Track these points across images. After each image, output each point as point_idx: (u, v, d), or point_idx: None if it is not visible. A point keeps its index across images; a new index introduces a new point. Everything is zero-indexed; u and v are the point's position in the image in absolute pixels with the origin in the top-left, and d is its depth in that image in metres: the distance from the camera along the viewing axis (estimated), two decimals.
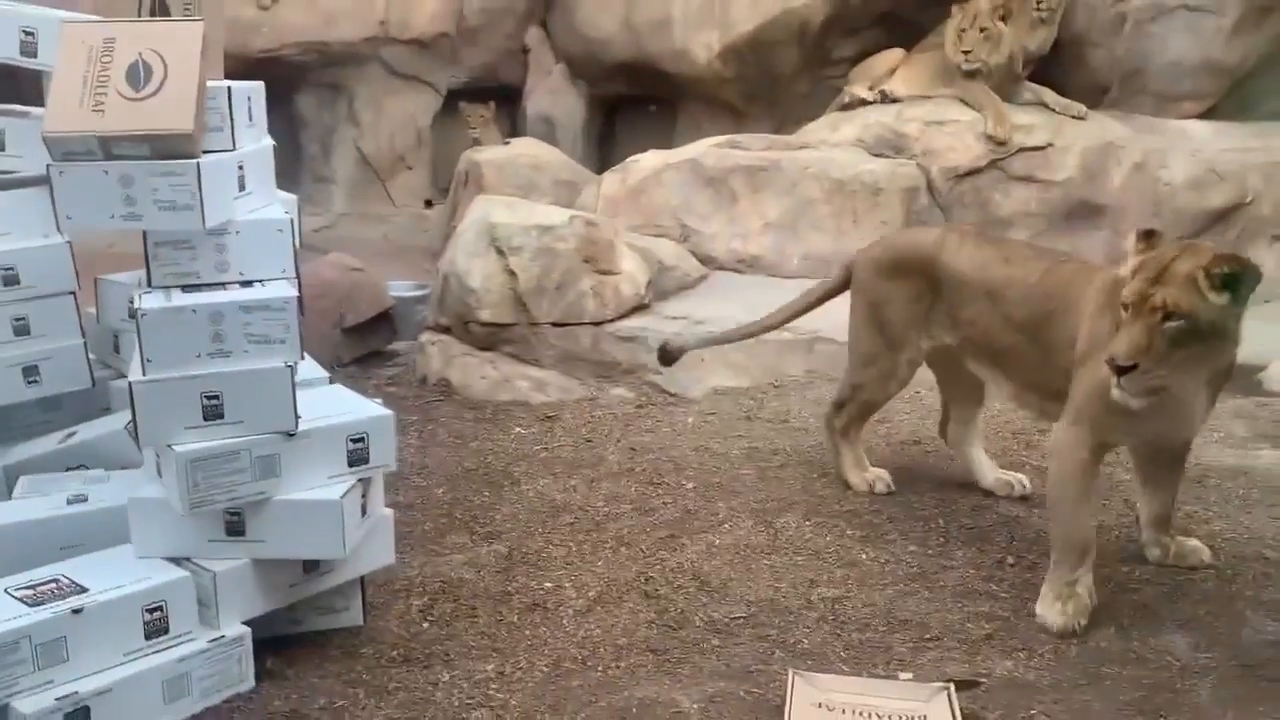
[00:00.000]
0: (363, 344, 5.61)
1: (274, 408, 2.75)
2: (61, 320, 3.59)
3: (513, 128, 9.99)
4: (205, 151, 2.79)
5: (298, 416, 2.80)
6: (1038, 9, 7.04)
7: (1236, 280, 2.71)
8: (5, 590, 2.61)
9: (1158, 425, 3.04)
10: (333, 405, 3.00)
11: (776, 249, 6.65)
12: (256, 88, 3.24)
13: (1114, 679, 2.85)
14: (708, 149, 6.98)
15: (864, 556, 3.55)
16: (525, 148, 8.09)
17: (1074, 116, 6.94)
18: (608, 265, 5.43)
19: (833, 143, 7.13)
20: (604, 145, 10.18)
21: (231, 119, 2.90)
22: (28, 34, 3.37)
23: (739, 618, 3.21)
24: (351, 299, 5.58)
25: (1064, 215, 6.85)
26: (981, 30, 6.77)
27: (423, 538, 3.75)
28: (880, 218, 6.66)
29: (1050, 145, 6.85)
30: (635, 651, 3.05)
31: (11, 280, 3.50)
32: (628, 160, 7.30)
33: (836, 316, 5.62)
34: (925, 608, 3.22)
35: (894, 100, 7.22)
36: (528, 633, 3.16)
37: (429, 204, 9.55)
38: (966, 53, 6.83)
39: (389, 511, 3.20)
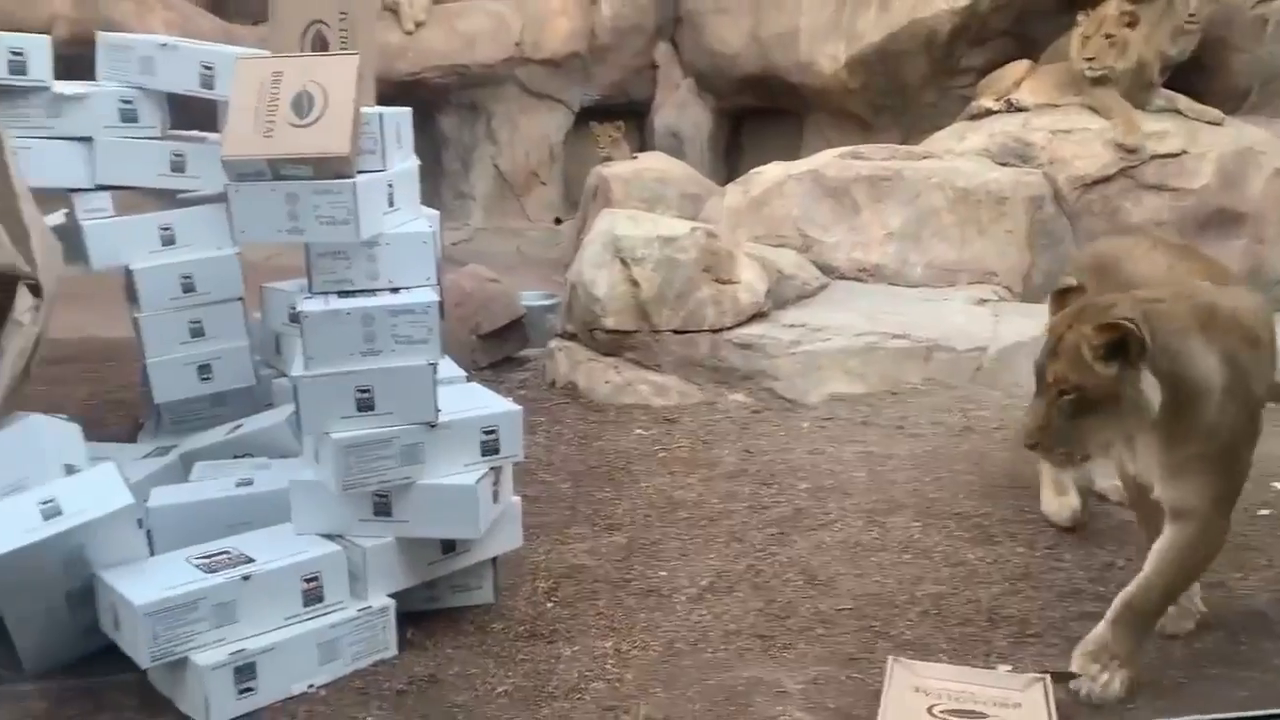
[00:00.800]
0: (497, 350, 5.94)
1: (417, 401, 3.06)
2: (231, 324, 4.01)
3: (641, 142, 10.29)
4: (359, 172, 3.11)
5: (438, 410, 3.09)
6: (1189, 21, 6.92)
7: (1120, 348, 2.56)
8: (185, 559, 2.98)
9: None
10: (468, 401, 3.29)
11: (899, 258, 6.71)
12: (404, 113, 3.56)
13: (1218, 679, 2.89)
14: (830, 160, 7.10)
15: (971, 556, 3.65)
16: (652, 162, 8.35)
17: (1209, 122, 6.79)
18: (727, 275, 5.62)
19: (958, 152, 7.15)
20: (730, 157, 10.39)
21: (383, 142, 3.22)
22: (207, 68, 3.79)
23: (844, 609, 3.36)
24: (487, 308, 5.92)
25: (1198, 224, 6.71)
26: (1107, 37, 6.70)
27: (549, 527, 4.01)
28: (1005, 226, 6.66)
29: (1185, 152, 6.72)
30: (743, 636, 3.24)
31: (189, 287, 3.94)
32: (750, 172, 7.49)
33: (952, 324, 5.72)
34: (1028, 606, 3.31)
35: (1021, 110, 7.20)
36: (643, 616, 3.38)
37: (559, 221, 9.93)
38: (1090, 59, 6.78)
39: (517, 499, 3.47)
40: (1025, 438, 2.71)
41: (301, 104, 3.06)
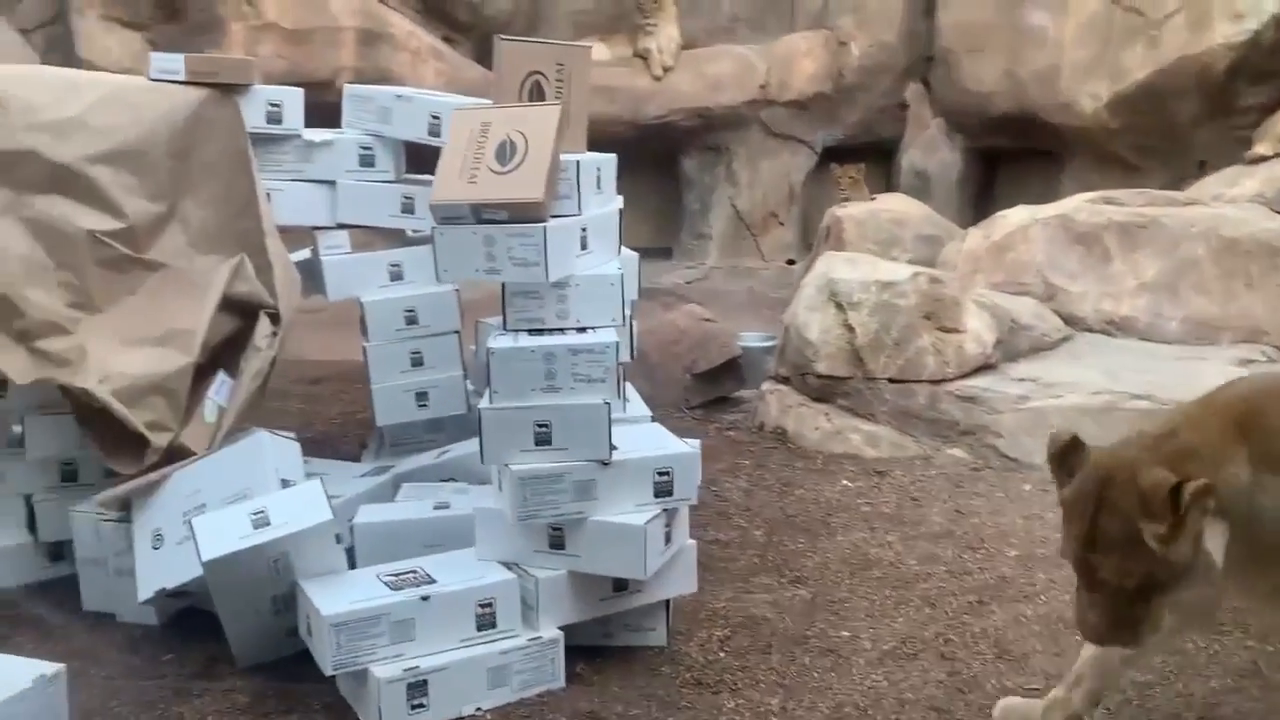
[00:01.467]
0: (710, 389, 5.97)
1: (592, 438, 3.12)
2: (447, 355, 4.27)
3: (886, 184, 10.09)
4: (554, 216, 3.24)
5: (613, 447, 3.15)
6: None
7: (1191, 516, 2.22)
8: (376, 575, 3.17)
9: None
10: (646, 441, 3.33)
11: (1152, 311, 6.20)
12: (607, 160, 3.68)
13: None
14: (1080, 204, 6.67)
15: (1190, 645, 3.29)
16: (889, 203, 8.16)
17: None
18: (951, 323, 5.39)
19: (1228, 198, 6.54)
20: (982, 201, 9.98)
21: (579, 187, 3.33)
22: (435, 118, 4.08)
23: (1034, 689, 3.11)
24: (703, 347, 5.97)
25: None
26: None
27: (734, 574, 3.97)
28: (1278, 280, 6.01)
29: None
30: (919, 708, 3.07)
31: (412, 320, 4.23)
32: (994, 215, 7.16)
33: (1205, 387, 5.19)
34: (1251, 708, 2.94)
35: None
36: (816, 675, 3.27)
37: (792, 262, 9.88)
38: None
39: (692, 543, 3.46)
40: (1099, 639, 2.40)
41: (504, 152, 3.23)
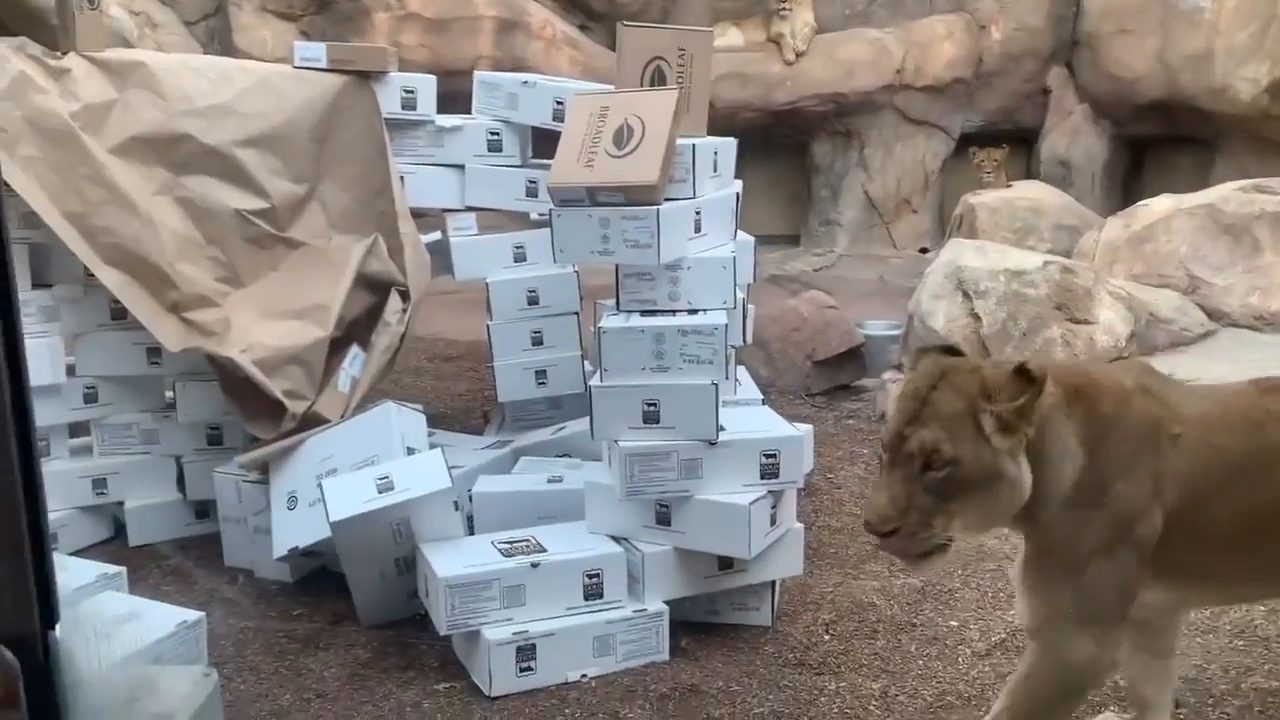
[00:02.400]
0: (831, 377, 5.94)
1: (700, 418, 3.18)
2: (566, 335, 4.38)
3: (1025, 171, 9.78)
4: (667, 199, 3.29)
5: (720, 428, 3.19)
6: None
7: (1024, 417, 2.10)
8: (491, 542, 3.31)
9: None
10: (755, 423, 3.36)
11: None
12: (725, 144, 3.71)
13: None
14: (1229, 193, 6.36)
15: None
16: (1026, 190, 7.93)
17: None
18: (1082, 314, 5.22)
19: None
20: (1128, 189, 9.59)
21: (694, 171, 3.38)
22: (559, 103, 4.18)
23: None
24: (824, 335, 5.93)
25: None
26: None
27: (844, 561, 3.97)
28: None
29: None
30: None
31: (534, 300, 4.36)
32: (1135, 205, 6.89)
33: None
34: None
35: None
36: (920, 663, 3.25)
37: (925, 250, 9.68)
38: None
39: (800, 526, 3.48)
40: (877, 522, 2.12)
41: (621, 136, 3.30)
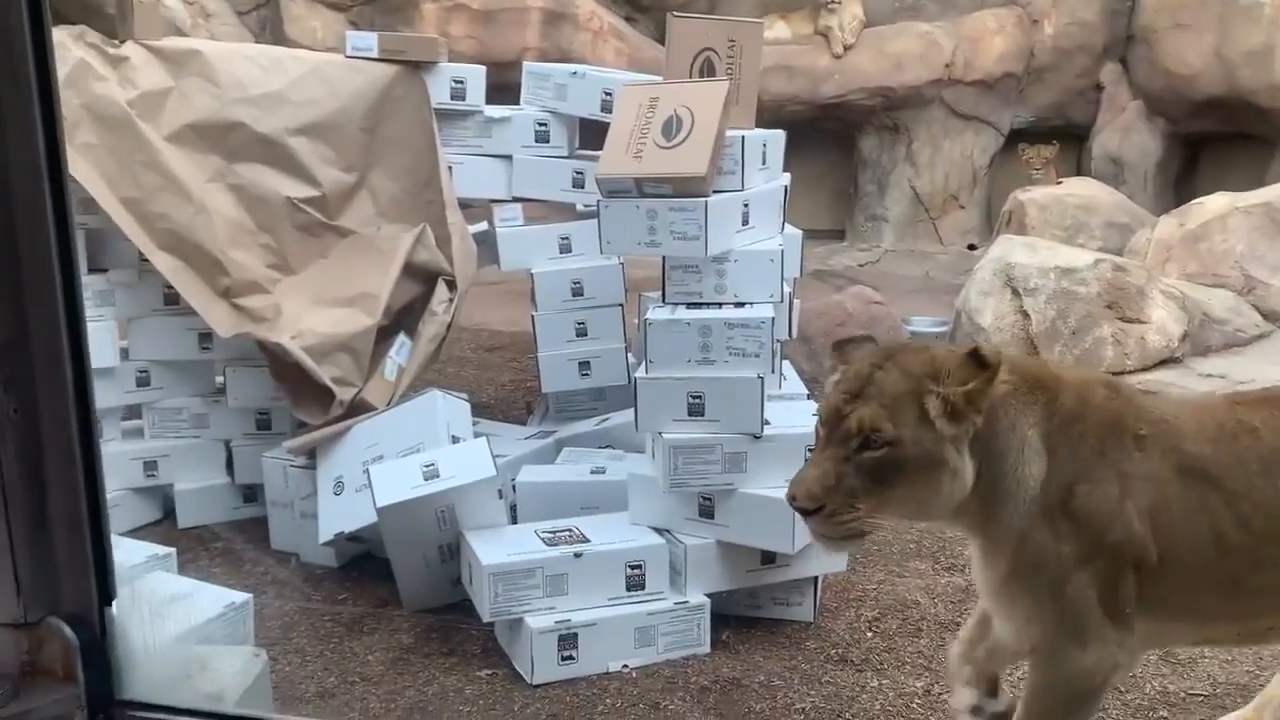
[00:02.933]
0: None
1: (745, 412, 3.17)
2: (610, 327, 4.38)
3: (1076, 168, 9.64)
4: (716, 191, 3.28)
5: (765, 422, 3.18)
6: None
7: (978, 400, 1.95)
8: (535, 531, 3.32)
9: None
10: (800, 417, 3.33)
11: None
12: (774, 136, 3.69)
13: None
14: None
15: None
16: (1076, 188, 7.81)
17: None
18: (1134, 313, 5.14)
19: None
20: (1181, 187, 9.43)
21: (743, 163, 3.37)
22: (607, 94, 4.17)
23: (1198, 695, 2.97)
24: (869, 330, 5.89)
25: None
26: None
27: (888, 558, 3.94)
28: None
29: None
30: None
31: (578, 292, 4.36)
32: (1190, 203, 6.77)
33: None
34: None
35: None
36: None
37: (972, 247, 9.58)
38: None
39: None
40: (802, 498, 1.97)
41: (670, 127, 3.29)
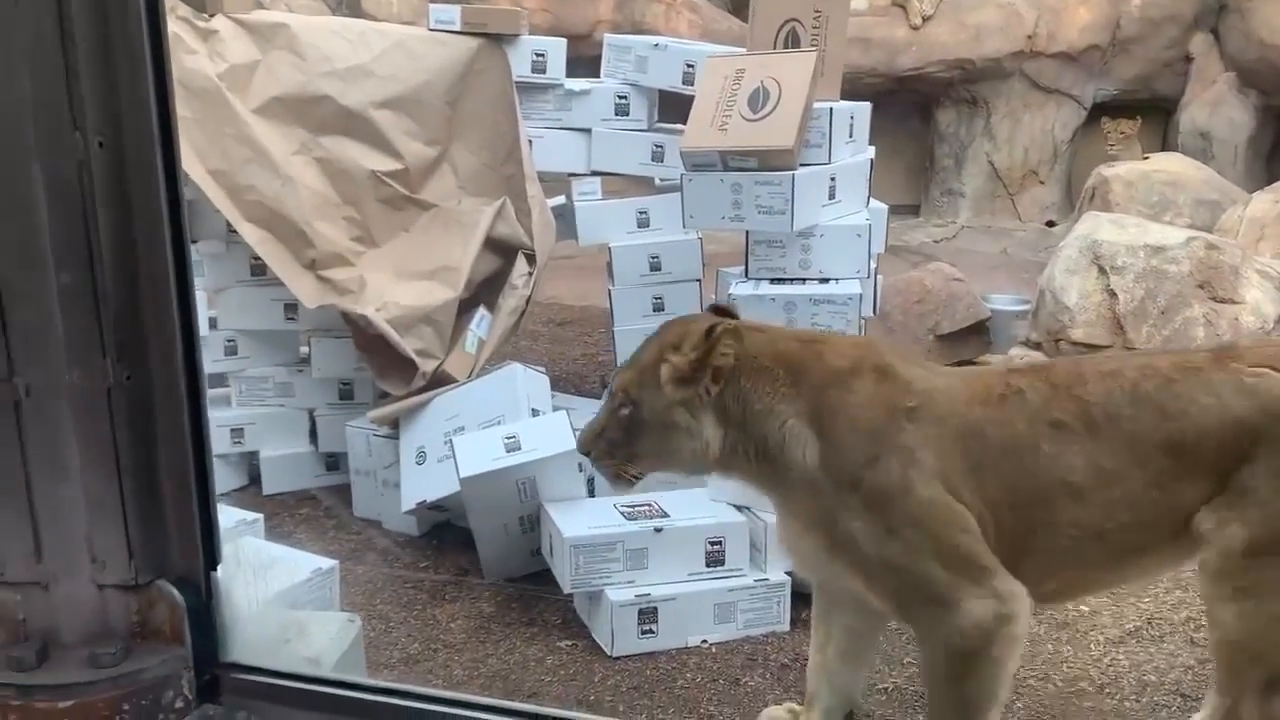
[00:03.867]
0: (954, 352, 5.79)
1: None
2: (687, 302, 4.36)
3: (1162, 143, 9.36)
4: (802, 164, 3.24)
5: None
6: None
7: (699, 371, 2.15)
8: (614, 505, 3.33)
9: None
10: None
11: None
12: (860, 108, 3.63)
13: None
14: None
15: None
16: (1164, 163, 7.57)
17: None
18: (1227, 293, 4.98)
19: None
20: (1274, 162, 9.10)
21: (830, 136, 3.32)
22: (689, 66, 4.14)
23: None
24: (949, 308, 5.79)
25: None
26: None
27: None
28: None
29: None
30: (1162, 691, 2.92)
31: (656, 266, 4.35)
32: None
33: None
34: None
35: None
36: (1050, 648, 3.17)
37: (1051, 224, 9.36)
38: None
39: None
40: (578, 443, 2.37)
41: (756, 99, 3.25)
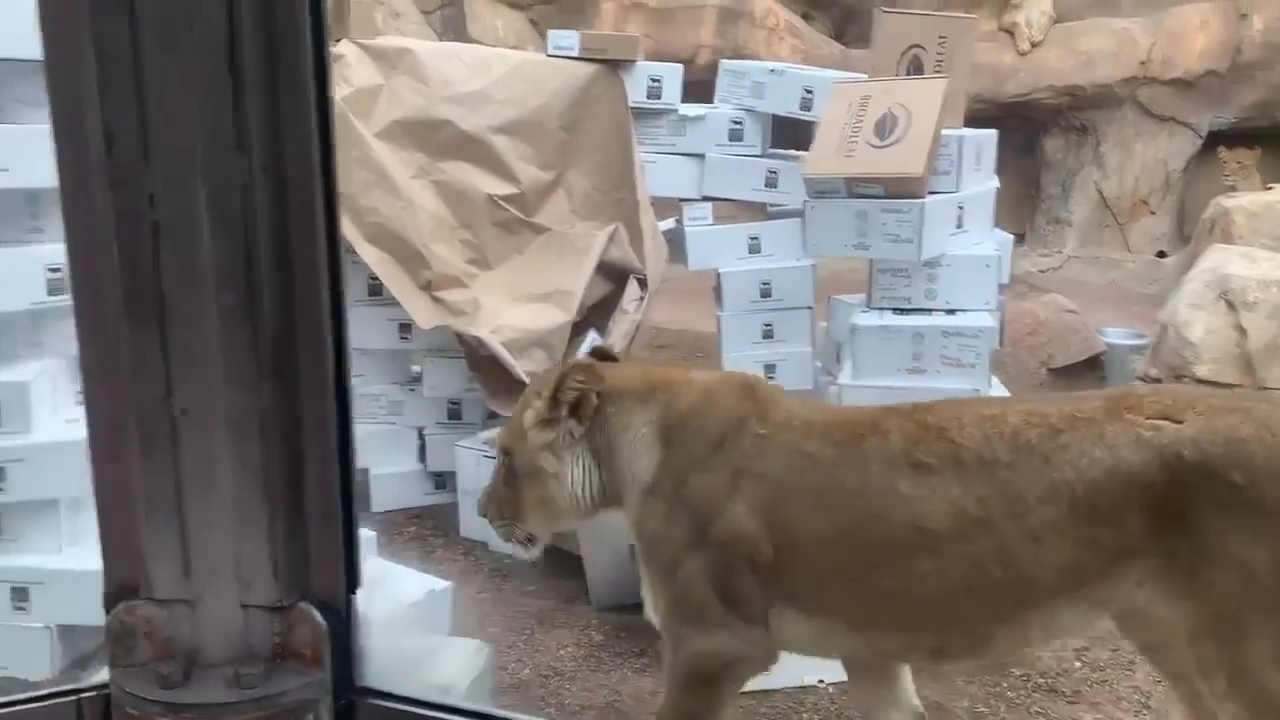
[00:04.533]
0: (1067, 387, 5.61)
1: None
2: (798, 330, 4.30)
3: None
4: (930, 192, 3.16)
5: None
6: None
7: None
8: None
9: None
10: None
11: None
12: (988, 136, 3.54)
13: None
14: None
15: None
16: None
17: None
18: None
19: None
20: None
21: (959, 164, 3.24)
22: (808, 92, 4.09)
23: None
24: (1062, 340, 5.62)
25: None
26: None
27: None
28: None
29: None
30: None
31: (766, 293, 4.30)
32: None
33: None
34: None
35: None
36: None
37: (1163, 255, 9.05)
38: None
39: None
40: (478, 505, 2.32)
41: (884, 126, 3.19)
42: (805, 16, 9.64)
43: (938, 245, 3.14)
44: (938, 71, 3.68)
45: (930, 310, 3.17)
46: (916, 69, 3.71)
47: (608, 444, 2.17)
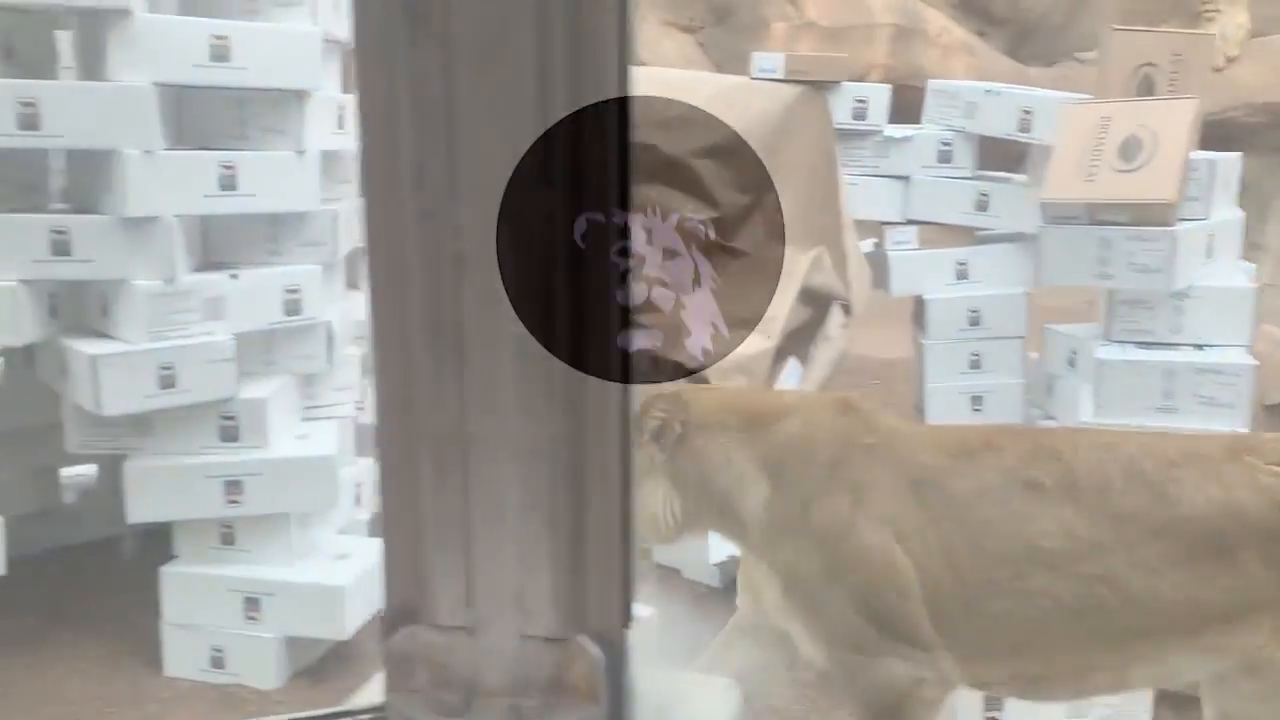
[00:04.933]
0: None
1: None
2: (1009, 360, 4.11)
3: None
4: (1180, 220, 2.97)
5: None
6: None
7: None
8: None
9: None
10: None
11: None
12: (1233, 160, 3.32)
13: None
14: None
15: None
16: None
17: None
18: None
19: None
20: None
21: (1210, 190, 3.03)
22: (1026, 113, 3.92)
23: None
24: (1278, 375, 5.23)
25: None
26: None
27: None
28: None
29: None
30: None
31: (975, 321, 4.13)
32: None
33: None
34: None
35: None
36: None
37: None
38: None
39: None
40: None
41: (1129, 149, 3.02)
42: (980, 34, 9.37)
43: (1189, 275, 2.94)
44: (1171, 90, 3.47)
45: (1176, 345, 2.97)
46: (1148, 88, 3.52)
47: (699, 475, 2.16)
